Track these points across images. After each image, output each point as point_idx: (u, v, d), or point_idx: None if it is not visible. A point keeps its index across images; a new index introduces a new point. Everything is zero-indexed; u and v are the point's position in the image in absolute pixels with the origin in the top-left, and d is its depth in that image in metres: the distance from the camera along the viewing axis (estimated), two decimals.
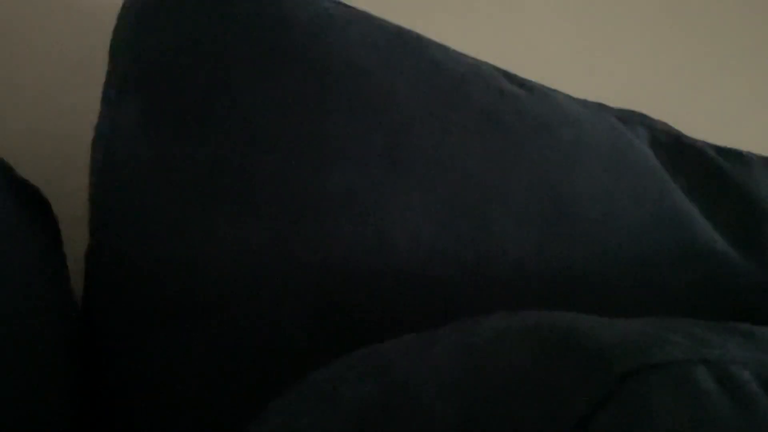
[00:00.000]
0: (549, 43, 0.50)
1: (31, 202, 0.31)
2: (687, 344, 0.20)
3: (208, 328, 0.30)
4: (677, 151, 0.38)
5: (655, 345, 0.20)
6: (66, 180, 0.36)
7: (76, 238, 0.32)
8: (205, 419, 0.29)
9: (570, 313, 0.24)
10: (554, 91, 0.38)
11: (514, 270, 0.33)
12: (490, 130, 0.34)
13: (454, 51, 0.35)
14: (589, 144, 0.35)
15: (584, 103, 0.38)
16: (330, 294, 0.31)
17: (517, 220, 0.33)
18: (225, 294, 0.30)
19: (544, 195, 0.34)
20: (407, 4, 0.41)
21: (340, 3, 0.34)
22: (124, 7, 0.32)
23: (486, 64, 0.36)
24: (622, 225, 0.35)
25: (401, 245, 0.31)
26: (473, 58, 0.36)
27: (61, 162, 0.37)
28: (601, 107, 0.39)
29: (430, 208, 0.32)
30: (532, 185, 0.34)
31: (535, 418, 0.18)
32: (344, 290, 0.31)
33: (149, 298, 0.30)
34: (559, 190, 0.34)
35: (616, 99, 0.40)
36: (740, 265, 0.36)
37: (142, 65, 0.31)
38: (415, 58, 0.33)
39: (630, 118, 0.39)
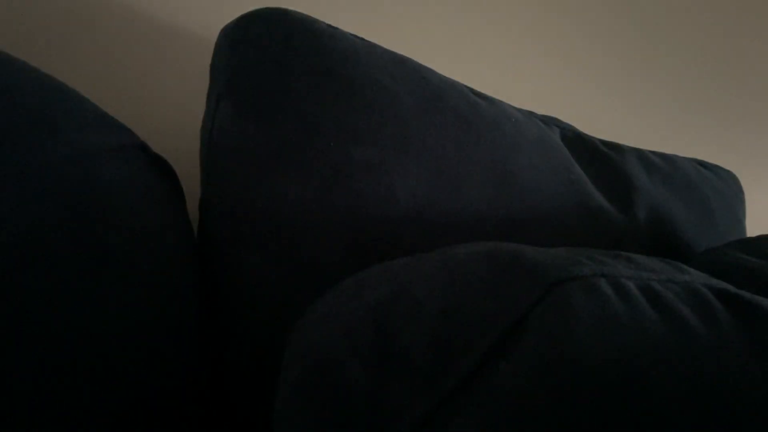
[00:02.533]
0: (499, 68, 0.51)
1: (164, 170, 0.31)
2: (592, 264, 0.21)
3: (277, 253, 0.31)
4: (578, 143, 0.41)
5: (572, 264, 0.21)
6: (187, 157, 0.37)
7: (192, 193, 0.34)
8: (274, 316, 0.30)
9: (514, 243, 0.25)
10: (501, 101, 0.40)
11: (475, 217, 0.35)
12: (461, 126, 0.35)
13: (437, 72, 0.37)
14: (524, 135, 0.37)
15: (519, 110, 0.40)
16: (355, 231, 0.32)
17: (478, 185, 0.35)
18: (287, 231, 0.31)
19: (495, 168, 0.36)
20: (403, 42, 0.43)
21: (362, 38, 0.35)
22: (220, 36, 0.32)
23: (458, 82, 0.38)
24: (545, 188, 0.37)
25: (402, 199, 0.33)
26: (450, 78, 0.37)
27: (182, 144, 0.38)
28: (530, 113, 0.41)
29: (421, 176, 0.34)
30: (487, 162, 0.36)
31: (490, 310, 0.19)
32: (365, 229, 0.32)
33: (240, 232, 0.31)
34: (505, 165, 0.36)
35: (539, 108, 0.43)
36: (618, 217, 0.39)
37: (234, 78, 0.31)
38: (412, 76, 0.35)
39: (548, 121, 0.41)
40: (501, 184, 0.36)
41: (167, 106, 0.40)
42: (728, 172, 0.46)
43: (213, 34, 0.34)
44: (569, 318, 0.18)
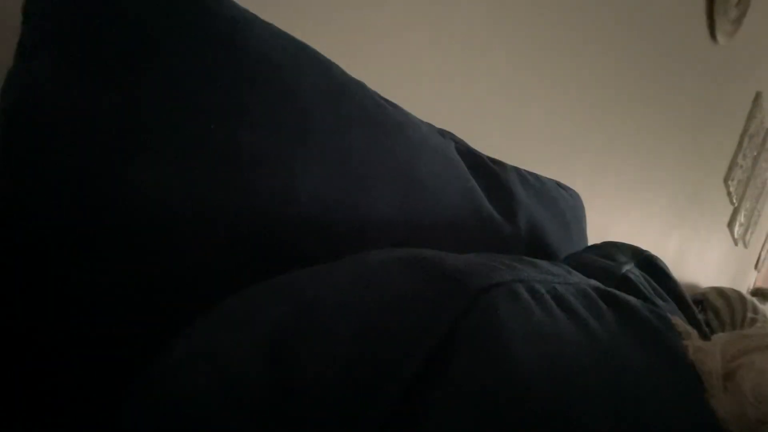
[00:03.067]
0: (409, 81, 0.48)
1: None
2: (506, 270, 0.20)
3: (131, 266, 0.22)
4: (470, 156, 0.41)
5: (490, 270, 0.20)
6: None
7: None
8: (118, 364, 0.21)
9: (428, 249, 0.23)
10: (406, 110, 0.37)
11: (383, 221, 0.31)
12: (368, 123, 0.31)
13: (341, 68, 0.32)
14: (427, 142, 0.35)
15: (421, 121, 0.38)
16: (241, 235, 0.25)
17: (386, 188, 0.32)
18: (144, 235, 0.23)
19: (402, 172, 0.33)
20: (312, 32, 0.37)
21: (257, 15, 0.29)
22: None
23: (360, 81, 0.34)
24: (447, 196, 0.35)
25: (303, 198, 0.27)
26: (353, 77, 0.33)
27: None
28: (430, 125, 0.40)
29: (325, 173, 0.29)
30: (394, 165, 0.32)
31: (414, 327, 0.16)
32: (253, 232, 0.25)
33: (65, 237, 0.21)
34: (411, 169, 0.33)
35: (437, 122, 0.41)
36: (505, 225, 0.40)
37: (61, 13, 0.21)
38: (315, 63, 0.30)
39: (444, 133, 0.41)
40: (409, 189, 0.33)
41: None
42: (574, 191, 0.53)
43: None
44: (500, 330, 0.17)
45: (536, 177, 0.47)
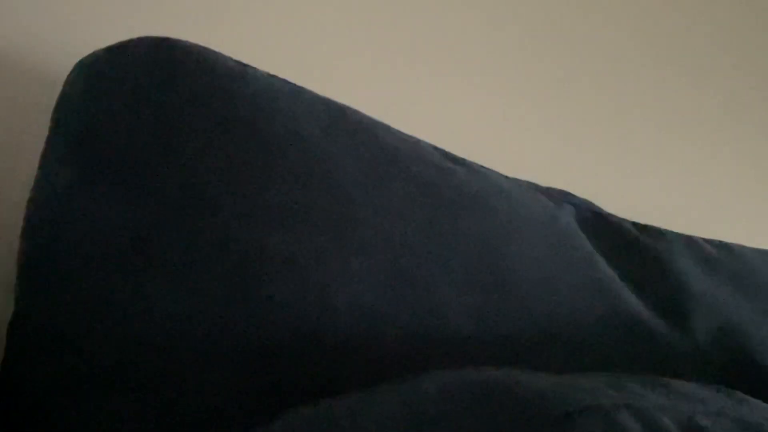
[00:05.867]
0: (480, 124, 0.48)
1: None
2: (614, 393, 0.20)
3: (147, 397, 0.24)
4: (601, 226, 0.35)
5: (586, 392, 0.20)
6: None
7: None
8: None
9: (505, 369, 0.23)
10: (486, 168, 0.35)
11: (454, 335, 0.29)
12: (429, 201, 0.31)
13: (392, 128, 0.32)
14: (521, 216, 0.33)
15: (514, 180, 0.36)
16: (267, 360, 0.26)
17: (457, 287, 0.30)
18: (158, 370, 0.25)
19: (483, 263, 0.31)
20: (354, 88, 0.40)
21: (286, 80, 0.31)
22: (74, 71, 0.28)
23: (422, 140, 0.33)
24: (557, 292, 0.32)
25: (342, 307, 0.27)
26: (410, 135, 0.33)
27: None
28: (531, 184, 0.37)
29: (371, 273, 0.29)
30: (471, 254, 0.31)
31: None
32: (282, 356, 0.26)
33: (76, 370, 0.24)
34: (497, 259, 0.32)
35: (542, 178, 0.39)
36: (667, 333, 0.33)
37: (87, 132, 0.27)
38: (356, 131, 0.31)
39: (555, 195, 0.36)
40: (492, 287, 0.31)
41: None
42: None
43: (59, 68, 0.29)
44: None
45: (728, 249, 0.39)
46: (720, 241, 0.40)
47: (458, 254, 0.31)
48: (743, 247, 0.40)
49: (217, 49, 0.31)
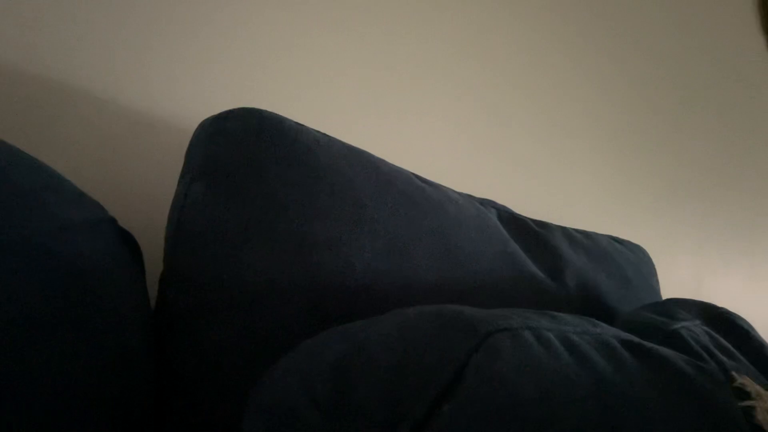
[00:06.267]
0: (440, 156, 0.58)
1: (130, 243, 0.34)
2: (519, 319, 0.25)
3: (242, 321, 0.33)
4: (512, 221, 0.47)
5: (502, 318, 0.24)
6: (152, 235, 0.40)
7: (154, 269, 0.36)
8: (239, 383, 0.32)
9: (456, 305, 0.29)
10: (443, 186, 0.46)
11: (424, 286, 0.39)
12: (410, 206, 0.41)
13: (386, 161, 0.43)
14: (464, 214, 0.44)
15: (459, 194, 0.47)
16: (316, 300, 0.35)
17: (426, 257, 0.40)
18: (248, 308, 0.34)
19: (440, 243, 0.41)
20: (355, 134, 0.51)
21: (324, 133, 0.41)
22: (200, 127, 0.37)
23: (405, 170, 0.44)
24: (484, 260, 0.42)
25: (359, 271, 0.37)
26: (398, 166, 0.44)
27: (150, 223, 0.41)
28: (469, 196, 0.48)
29: (376, 250, 0.38)
30: (433, 237, 0.41)
31: (436, 361, 0.21)
32: (324, 297, 0.35)
33: (205, 303, 0.33)
34: (449, 240, 0.42)
35: (476, 191, 0.50)
36: (550, 285, 0.45)
37: (209, 162, 0.36)
38: (366, 164, 0.41)
39: (485, 203, 0.48)
40: (446, 256, 0.42)
41: (134, 187, 0.44)
42: (637, 245, 0.55)
43: (187, 125, 0.39)
44: (499, 363, 0.21)
45: (586, 234, 0.52)
46: (582, 230, 0.51)
47: (426, 238, 0.40)
48: (595, 233, 0.52)
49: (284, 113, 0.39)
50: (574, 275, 0.47)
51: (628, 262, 0.51)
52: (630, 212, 0.72)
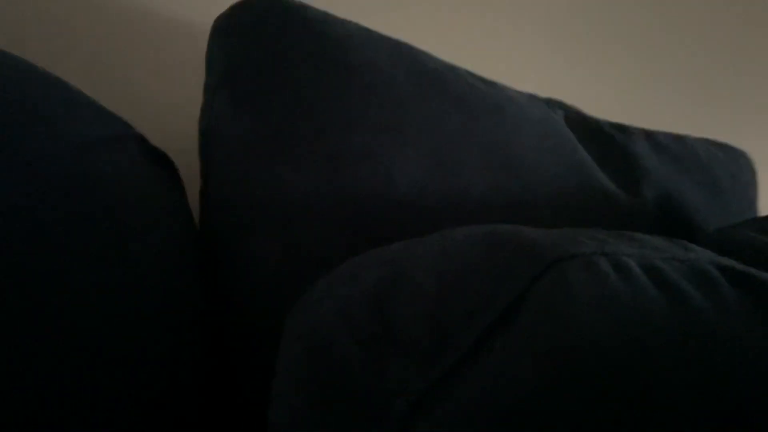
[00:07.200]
0: (500, 52, 0.52)
1: (161, 161, 0.33)
2: (592, 243, 0.21)
3: (279, 239, 0.32)
4: (582, 125, 0.41)
5: (571, 243, 0.21)
6: (184, 148, 0.38)
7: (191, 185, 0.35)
8: (278, 301, 0.31)
9: (513, 225, 0.25)
10: (502, 84, 0.40)
11: (476, 202, 0.35)
12: (460, 109, 0.36)
13: (434, 56, 0.37)
14: (526, 118, 0.38)
15: (521, 93, 0.41)
16: (354, 217, 0.33)
17: (478, 168, 0.36)
18: (283, 223, 0.32)
19: (496, 152, 0.36)
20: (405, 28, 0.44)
21: (357, 23, 0.36)
22: (213, 26, 0.33)
23: (456, 65, 0.38)
24: (548, 170, 0.37)
25: (401, 185, 0.34)
26: (448, 62, 0.38)
27: (180, 134, 0.39)
28: (532, 96, 0.41)
29: (420, 161, 0.34)
30: (488, 145, 0.36)
31: (488, 290, 0.19)
32: (363, 214, 0.33)
33: (241, 219, 0.32)
34: (507, 148, 0.37)
35: (543, 93, 0.43)
36: (624, 199, 0.39)
37: (229, 68, 0.32)
38: (409, 60, 0.35)
39: (551, 103, 0.42)
40: (502, 167, 0.37)
41: (164, 98, 0.42)
42: (740, 151, 0.47)
43: (209, 23, 0.34)
44: (567, 296, 0.18)
45: (676, 139, 0.44)
46: (673, 133, 0.44)
47: (479, 146, 0.36)
48: (690, 136, 0.44)
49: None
50: (655, 187, 0.42)
51: (726, 171, 0.44)
52: (731, 115, 0.61)
